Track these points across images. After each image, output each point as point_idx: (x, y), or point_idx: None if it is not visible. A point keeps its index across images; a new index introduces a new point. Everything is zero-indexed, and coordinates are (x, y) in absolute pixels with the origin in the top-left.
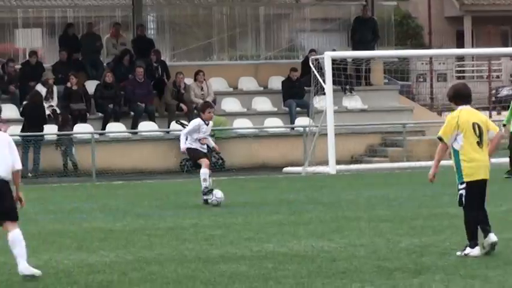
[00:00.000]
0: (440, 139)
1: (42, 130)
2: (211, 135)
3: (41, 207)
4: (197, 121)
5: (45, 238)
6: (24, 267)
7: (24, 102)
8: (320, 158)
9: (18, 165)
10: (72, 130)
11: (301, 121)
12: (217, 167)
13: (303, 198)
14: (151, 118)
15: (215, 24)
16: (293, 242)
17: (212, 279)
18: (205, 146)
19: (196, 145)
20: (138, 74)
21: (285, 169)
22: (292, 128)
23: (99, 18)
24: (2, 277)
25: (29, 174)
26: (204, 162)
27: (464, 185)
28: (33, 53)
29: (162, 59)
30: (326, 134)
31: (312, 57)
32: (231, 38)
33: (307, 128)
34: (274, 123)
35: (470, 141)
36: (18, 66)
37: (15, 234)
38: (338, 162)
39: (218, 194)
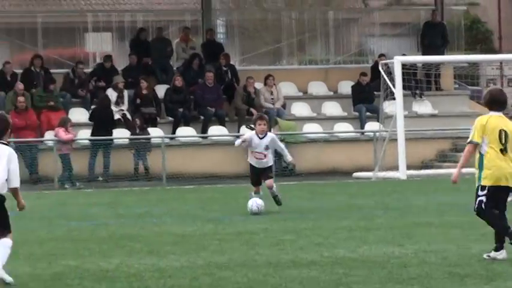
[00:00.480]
0: (473, 143)
1: (110, 134)
2: (280, 140)
3: (111, 211)
4: (249, 134)
5: (116, 242)
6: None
7: (93, 107)
8: (390, 163)
9: (15, 183)
10: (146, 134)
11: (371, 126)
12: (287, 172)
13: (373, 203)
14: (221, 122)
15: (284, 28)
16: (363, 247)
17: (283, 285)
18: (263, 161)
19: (252, 160)
20: (207, 78)
21: (355, 174)
22: (362, 133)
23: (169, 22)
24: (73, 281)
25: (100, 178)
26: (255, 188)
27: (485, 191)
28: (107, 57)
29: (231, 63)
30: (396, 139)
31: (382, 61)
32: (300, 42)
33: (377, 133)
34: (344, 128)
35: (494, 147)
36: (88, 70)
37: (3, 241)
38: (408, 168)
39: (259, 201)
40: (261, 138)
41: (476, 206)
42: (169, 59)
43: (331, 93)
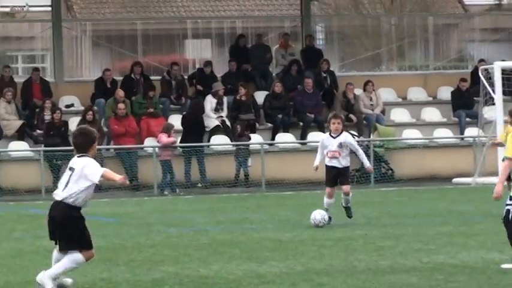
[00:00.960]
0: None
1: (201, 140)
2: (379, 146)
3: (210, 217)
4: (322, 137)
5: (215, 248)
6: (43, 275)
7: (184, 113)
8: (490, 169)
9: (94, 178)
10: (248, 140)
11: (471, 131)
12: (386, 178)
13: (473, 209)
14: (320, 128)
15: (383, 34)
16: (463, 253)
17: None
18: (337, 159)
19: (326, 160)
20: (307, 85)
21: (455, 180)
22: (462, 139)
23: (268, 28)
24: None
25: (199, 185)
26: (326, 191)
27: None
28: (208, 62)
29: (330, 69)
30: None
31: (482, 67)
32: (400, 48)
33: (476, 139)
34: (444, 134)
35: None
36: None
37: (73, 255)
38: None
39: (320, 215)
40: (334, 138)
41: (504, 214)
42: (269, 65)
43: (431, 98)
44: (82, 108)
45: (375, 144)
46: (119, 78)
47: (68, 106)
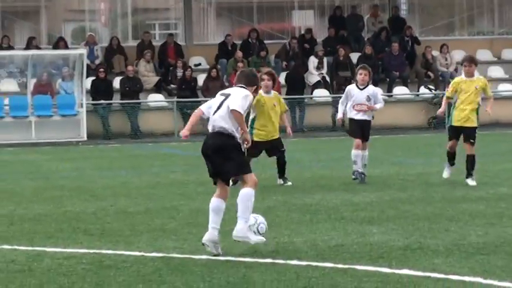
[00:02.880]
0: None
1: (302, 93)
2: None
3: (313, 156)
4: (348, 87)
5: (317, 181)
6: (239, 229)
7: (286, 72)
8: None
9: (232, 106)
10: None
11: None
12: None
13: None
14: (404, 83)
15: (456, 5)
16: None
17: (455, 217)
18: (364, 114)
19: (351, 113)
20: (393, 48)
21: None
22: None
23: (361, 1)
24: (282, 213)
25: (304, 129)
26: (355, 143)
27: None
28: (308, 30)
29: (413, 35)
30: None
31: None
32: (470, 16)
33: None
34: (506, 88)
35: None
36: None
37: (243, 192)
38: None
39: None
40: (361, 89)
41: None
42: (361, 31)
43: (496, 59)
44: (208, 66)
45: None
46: (238, 42)
47: (196, 65)
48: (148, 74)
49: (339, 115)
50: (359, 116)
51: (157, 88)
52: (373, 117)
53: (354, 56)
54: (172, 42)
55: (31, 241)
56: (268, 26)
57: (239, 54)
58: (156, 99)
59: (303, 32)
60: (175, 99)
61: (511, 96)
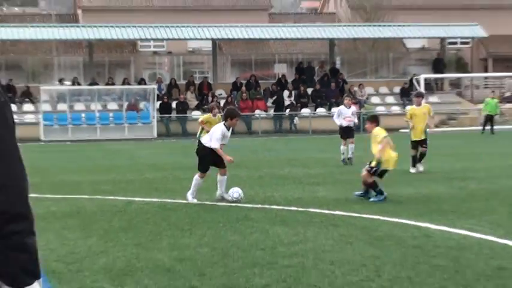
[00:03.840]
0: None
1: (282, 111)
2: None
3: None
4: (339, 107)
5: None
6: (221, 192)
7: (273, 99)
8: None
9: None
10: None
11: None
12: None
13: None
14: (338, 105)
15: (368, 61)
16: None
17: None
18: (347, 123)
19: (342, 122)
20: (332, 86)
21: None
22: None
23: (314, 59)
24: None
25: (281, 131)
26: (342, 142)
27: None
28: (283, 75)
29: (343, 78)
30: None
31: (415, 77)
32: (376, 68)
33: None
34: (396, 108)
35: None
36: None
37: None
38: None
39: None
40: (348, 108)
41: None
42: (314, 76)
43: (390, 92)
44: (226, 95)
45: None
46: (243, 81)
47: (219, 95)
48: (191, 99)
49: (339, 123)
50: (345, 124)
51: (197, 107)
52: (354, 124)
53: (309, 90)
54: (206, 81)
55: (125, 193)
56: (260, 72)
57: (243, 89)
58: (196, 114)
59: (280, 76)
60: (206, 114)
61: (400, 113)
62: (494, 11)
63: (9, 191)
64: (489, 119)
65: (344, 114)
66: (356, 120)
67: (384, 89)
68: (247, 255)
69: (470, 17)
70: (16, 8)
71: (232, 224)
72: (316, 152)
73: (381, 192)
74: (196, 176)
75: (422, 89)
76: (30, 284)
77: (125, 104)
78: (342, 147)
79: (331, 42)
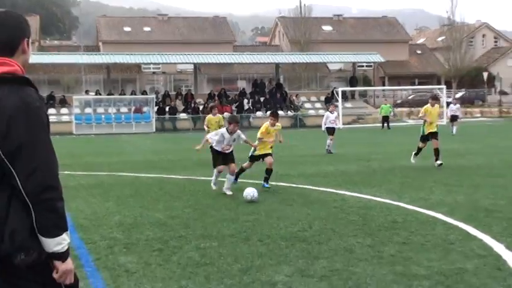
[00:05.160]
0: None
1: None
2: None
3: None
4: (326, 112)
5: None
6: (226, 187)
7: (235, 104)
8: None
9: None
10: None
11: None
12: None
13: None
14: (282, 110)
15: (301, 80)
16: None
17: None
18: (332, 125)
19: (329, 124)
20: (277, 96)
21: None
22: None
23: (265, 77)
24: None
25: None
26: (329, 138)
27: None
28: (244, 89)
29: (285, 90)
30: None
31: (335, 90)
32: (307, 83)
33: None
34: (322, 112)
35: None
36: None
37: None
38: None
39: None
40: (332, 113)
41: None
42: (265, 89)
43: (318, 100)
44: (203, 103)
45: None
46: (216, 93)
47: (199, 102)
48: (179, 105)
49: (324, 127)
50: (331, 125)
51: (183, 111)
52: (336, 124)
53: (262, 99)
54: (189, 92)
55: (132, 171)
56: (228, 86)
57: (216, 98)
58: (183, 115)
59: (241, 89)
60: (190, 115)
61: (323, 115)
62: (388, 44)
63: (44, 170)
64: (385, 119)
65: (330, 118)
66: (338, 122)
67: (313, 98)
68: (218, 214)
69: (372, 47)
70: (55, 41)
71: (208, 192)
72: None
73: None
74: (214, 170)
75: (340, 98)
76: (60, 235)
77: (133, 108)
78: (328, 141)
79: (277, 65)
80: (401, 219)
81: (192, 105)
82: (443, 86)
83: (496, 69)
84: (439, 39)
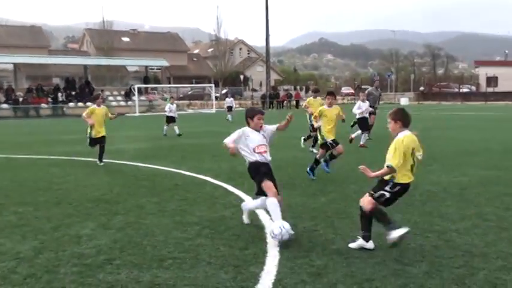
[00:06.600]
0: None
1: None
2: None
3: None
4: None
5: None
6: (275, 226)
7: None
8: None
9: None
10: None
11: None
12: None
13: None
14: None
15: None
16: None
17: None
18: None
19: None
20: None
21: None
22: None
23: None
24: None
25: None
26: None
27: None
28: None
29: None
30: None
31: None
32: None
33: None
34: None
35: None
36: None
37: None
38: None
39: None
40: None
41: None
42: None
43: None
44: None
45: None
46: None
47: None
48: (1, 97)
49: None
50: (361, 116)
51: (5, 102)
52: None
53: (73, 93)
54: (10, 87)
55: (137, 160)
56: (45, 83)
57: (34, 93)
58: (5, 106)
59: (56, 85)
60: (11, 105)
61: (123, 105)
62: (172, 52)
63: None
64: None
65: (362, 108)
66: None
67: (115, 92)
68: (34, 185)
69: (160, 55)
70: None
71: (25, 167)
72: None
73: None
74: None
75: (136, 93)
76: None
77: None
78: (362, 136)
79: (85, 66)
80: (181, 182)
81: (13, 97)
82: (213, 85)
83: (249, 73)
84: (209, 50)
